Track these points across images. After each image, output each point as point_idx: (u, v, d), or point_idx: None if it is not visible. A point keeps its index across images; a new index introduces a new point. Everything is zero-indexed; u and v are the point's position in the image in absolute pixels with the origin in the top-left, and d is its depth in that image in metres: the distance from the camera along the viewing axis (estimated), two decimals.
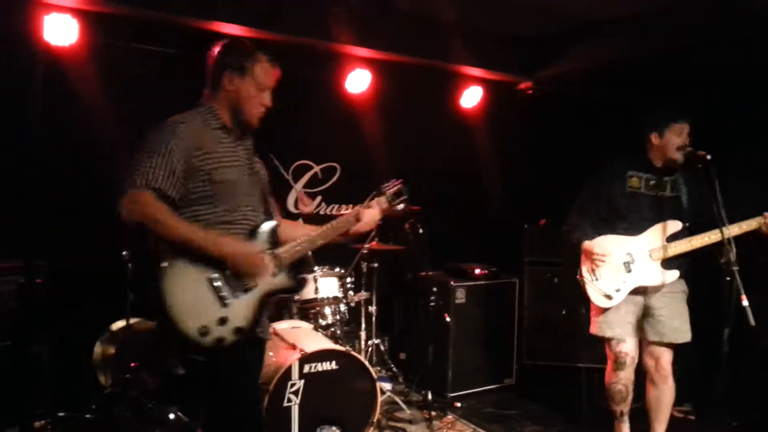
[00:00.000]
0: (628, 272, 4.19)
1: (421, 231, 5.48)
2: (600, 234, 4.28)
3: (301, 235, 3.12)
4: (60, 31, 4.75)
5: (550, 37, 6.26)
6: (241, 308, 2.78)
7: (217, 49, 2.95)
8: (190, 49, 5.34)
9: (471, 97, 6.80)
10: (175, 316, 2.62)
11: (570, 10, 5.52)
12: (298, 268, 3.07)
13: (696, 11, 4.93)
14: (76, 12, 4.78)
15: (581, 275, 4.32)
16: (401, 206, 3.38)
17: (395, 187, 3.38)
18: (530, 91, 6.92)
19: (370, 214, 3.28)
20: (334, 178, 6.31)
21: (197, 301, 2.68)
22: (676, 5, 5.00)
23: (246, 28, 5.32)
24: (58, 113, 4.99)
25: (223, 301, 2.73)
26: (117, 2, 4.82)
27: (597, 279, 4.25)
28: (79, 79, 5.04)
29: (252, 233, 2.92)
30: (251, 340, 2.90)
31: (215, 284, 2.72)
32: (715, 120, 5.31)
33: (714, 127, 4.73)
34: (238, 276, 2.78)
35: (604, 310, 4.27)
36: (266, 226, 2.97)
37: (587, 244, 4.25)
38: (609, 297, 4.22)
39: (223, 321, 2.71)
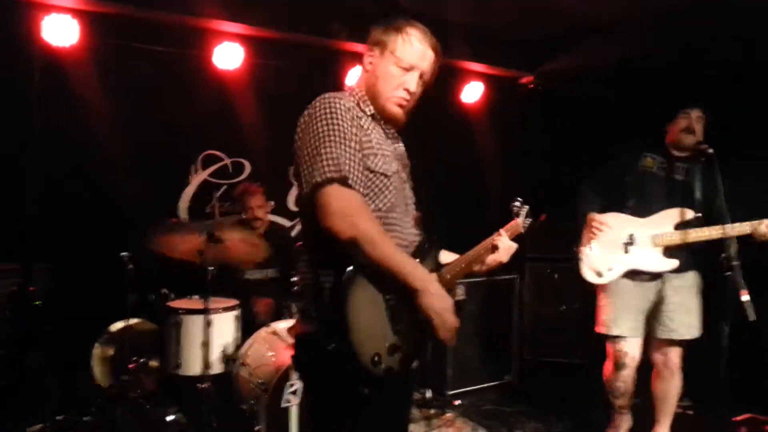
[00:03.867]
0: (625, 253, 4.14)
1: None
2: (607, 211, 4.23)
3: (453, 256, 2.68)
4: (60, 31, 4.76)
5: (551, 33, 6.23)
6: (408, 334, 2.34)
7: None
8: (191, 48, 5.40)
9: (472, 93, 6.78)
10: (355, 340, 2.20)
11: (572, 11, 5.49)
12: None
13: (698, 10, 4.91)
14: (76, 12, 4.80)
15: (579, 248, 4.28)
16: (526, 227, 2.90)
17: (525, 209, 2.91)
18: (532, 86, 6.90)
19: (506, 244, 2.70)
20: None
21: (374, 324, 2.27)
22: (677, 5, 4.97)
23: (250, 27, 5.34)
24: (58, 114, 5.03)
25: (395, 327, 2.31)
26: (118, 2, 4.83)
27: (592, 252, 4.20)
28: (79, 80, 5.08)
29: (420, 251, 2.51)
30: (411, 372, 2.51)
31: (391, 306, 2.30)
32: (720, 116, 5.29)
33: (718, 124, 4.71)
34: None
35: (613, 309, 4.22)
36: (433, 246, 2.59)
37: (591, 214, 4.18)
38: (599, 274, 4.18)
39: (393, 349, 2.29)
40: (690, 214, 4.09)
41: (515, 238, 2.81)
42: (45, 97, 4.95)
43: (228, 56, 5.45)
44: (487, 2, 5.48)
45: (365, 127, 2.40)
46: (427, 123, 6.54)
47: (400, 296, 2.27)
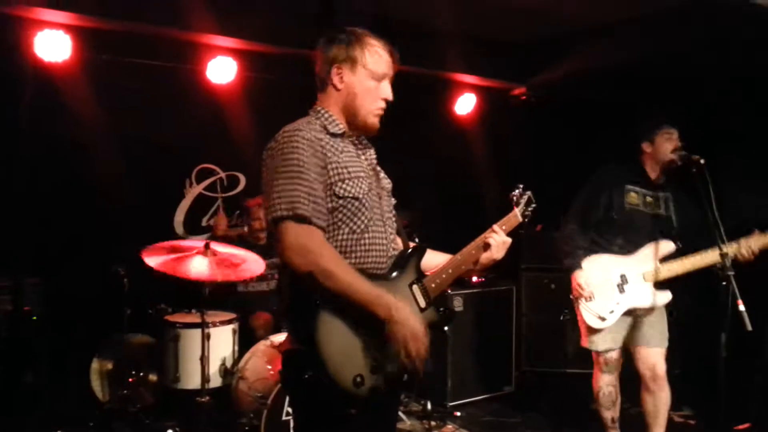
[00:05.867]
0: (622, 293, 4.14)
1: (416, 239, 5.47)
2: (594, 252, 4.24)
3: (439, 263, 2.66)
4: (53, 47, 4.76)
5: (542, 42, 6.27)
6: (389, 351, 2.29)
7: (320, 44, 2.52)
8: (184, 62, 5.41)
9: (465, 105, 6.81)
10: (332, 365, 2.20)
11: (562, 16, 5.52)
12: (438, 299, 2.62)
13: (689, 15, 4.94)
14: (68, 28, 4.79)
15: (574, 296, 4.25)
16: (528, 215, 2.89)
17: (526, 196, 2.92)
18: (524, 97, 6.93)
19: (499, 240, 2.68)
20: None
21: (350, 349, 2.26)
22: (668, 9, 5.01)
23: (243, 41, 5.34)
24: (50, 129, 5.02)
25: (377, 346, 2.29)
26: (109, 17, 4.83)
27: (591, 300, 4.18)
28: (72, 95, 5.06)
29: (399, 262, 2.52)
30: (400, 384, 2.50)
31: (369, 327, 2.27)
32: (709, 122, 5.32)
33: (708, 129, 4.73)
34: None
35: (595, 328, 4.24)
36: (414, 254, 2.57)
37: (576, 275, 4.18)
38: (602, 318, 4.16)
39: (376, 369, 2.30)
40: (671, 246, 4.13)
41: (514, 230, 2.79)
42: (37, 112, 4.94)
43: (221, 70, 5.46)
44: (478, 14, 5.50)
45: (333, 151, 2.39)
46: (421, 135, 6.59)
47: (374, 319, 2.26)
